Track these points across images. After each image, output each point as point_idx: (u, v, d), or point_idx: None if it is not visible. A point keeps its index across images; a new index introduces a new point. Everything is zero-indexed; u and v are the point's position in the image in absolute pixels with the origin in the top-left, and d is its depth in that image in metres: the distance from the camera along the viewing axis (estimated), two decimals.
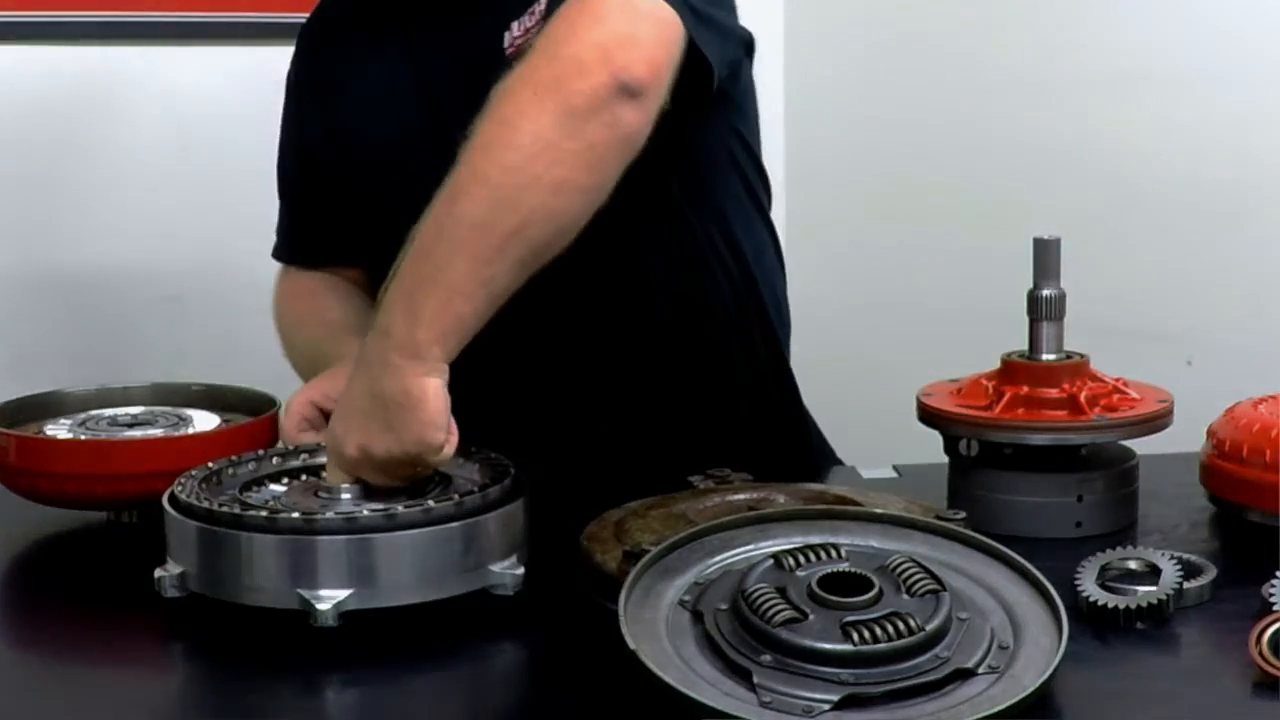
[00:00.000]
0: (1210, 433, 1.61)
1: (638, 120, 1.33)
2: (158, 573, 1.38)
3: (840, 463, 1.87)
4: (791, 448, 1.87)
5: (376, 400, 1.30)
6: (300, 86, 1.89)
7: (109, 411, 1.72)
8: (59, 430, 1.66)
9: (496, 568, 1.38)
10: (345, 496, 1.40)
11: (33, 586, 1.59)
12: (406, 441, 1.32)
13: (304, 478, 1.49)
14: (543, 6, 1.57)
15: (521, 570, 1.39)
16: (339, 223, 1.87)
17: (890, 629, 1.17)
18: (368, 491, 1.40)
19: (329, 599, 1.30)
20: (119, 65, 2.00)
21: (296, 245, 1.95)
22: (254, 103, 2.13)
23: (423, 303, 1.29)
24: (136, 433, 1.65)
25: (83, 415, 1.70)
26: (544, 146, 1.28)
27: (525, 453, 1.59)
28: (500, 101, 1.30)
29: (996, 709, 1.13)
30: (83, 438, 1.64)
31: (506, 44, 1.56)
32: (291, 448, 1.52)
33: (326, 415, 1.49)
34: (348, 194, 1.83)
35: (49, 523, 1.67)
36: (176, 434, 1.64)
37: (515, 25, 1.59)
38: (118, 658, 1.38)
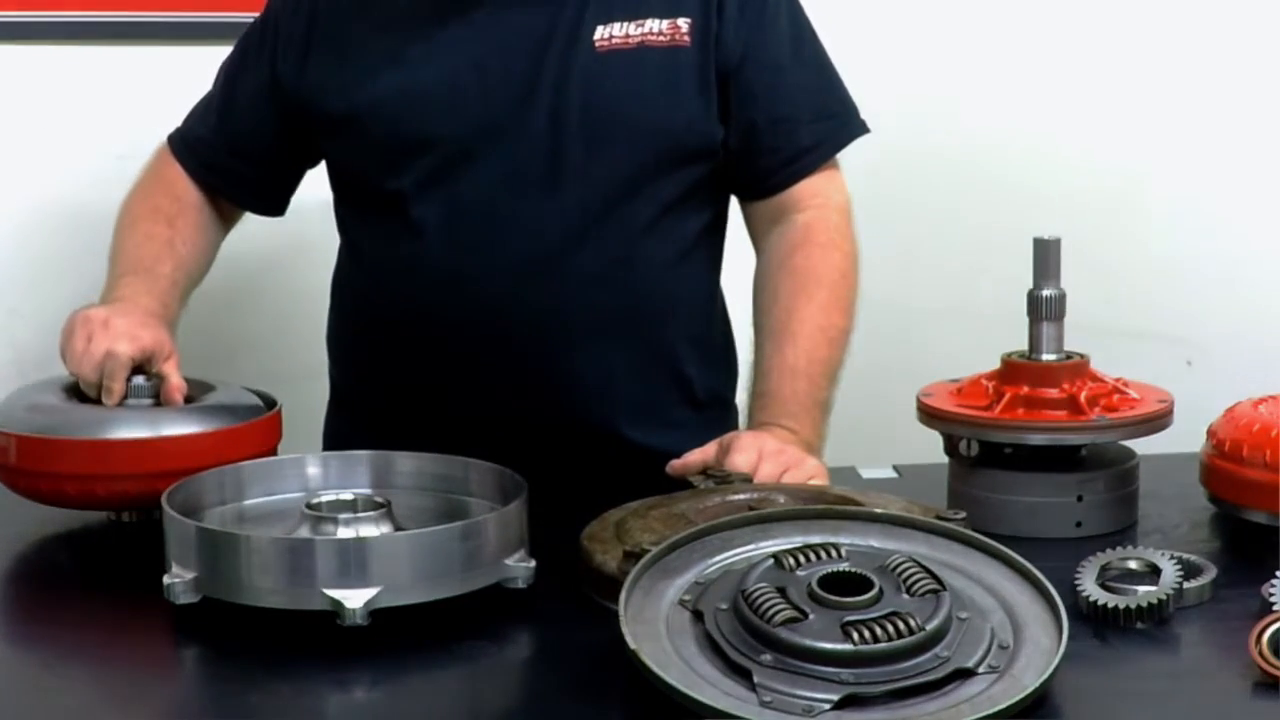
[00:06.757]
0: (1210, 433, 1.61)
1: None
2: (166, 579, 1.37)
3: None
4: None
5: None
6: (297, 30, 1.85)
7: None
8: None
9: (510, 561, 1.39)
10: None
11: (33, 587, 1.59)
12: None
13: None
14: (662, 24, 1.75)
15: (533, 563, 1.40)
16: (280, 164, 1.88)
17: (890, 629, 1.17)
18: None
19: (359, 597, 1.31)
20: (118, 65, 1.99)
21: (210, 158, 1.90)
22: None
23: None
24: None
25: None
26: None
27: (529, 453, 1.60)
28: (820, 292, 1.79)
29: (996, 709, 1.13)
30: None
31: (599, 36, 1.74)
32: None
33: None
34: (332, 137, 1.82)
35: (49, 523, 1.67)
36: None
37: (616, 26, 1.75)
38: (119, 657, 1.38)
